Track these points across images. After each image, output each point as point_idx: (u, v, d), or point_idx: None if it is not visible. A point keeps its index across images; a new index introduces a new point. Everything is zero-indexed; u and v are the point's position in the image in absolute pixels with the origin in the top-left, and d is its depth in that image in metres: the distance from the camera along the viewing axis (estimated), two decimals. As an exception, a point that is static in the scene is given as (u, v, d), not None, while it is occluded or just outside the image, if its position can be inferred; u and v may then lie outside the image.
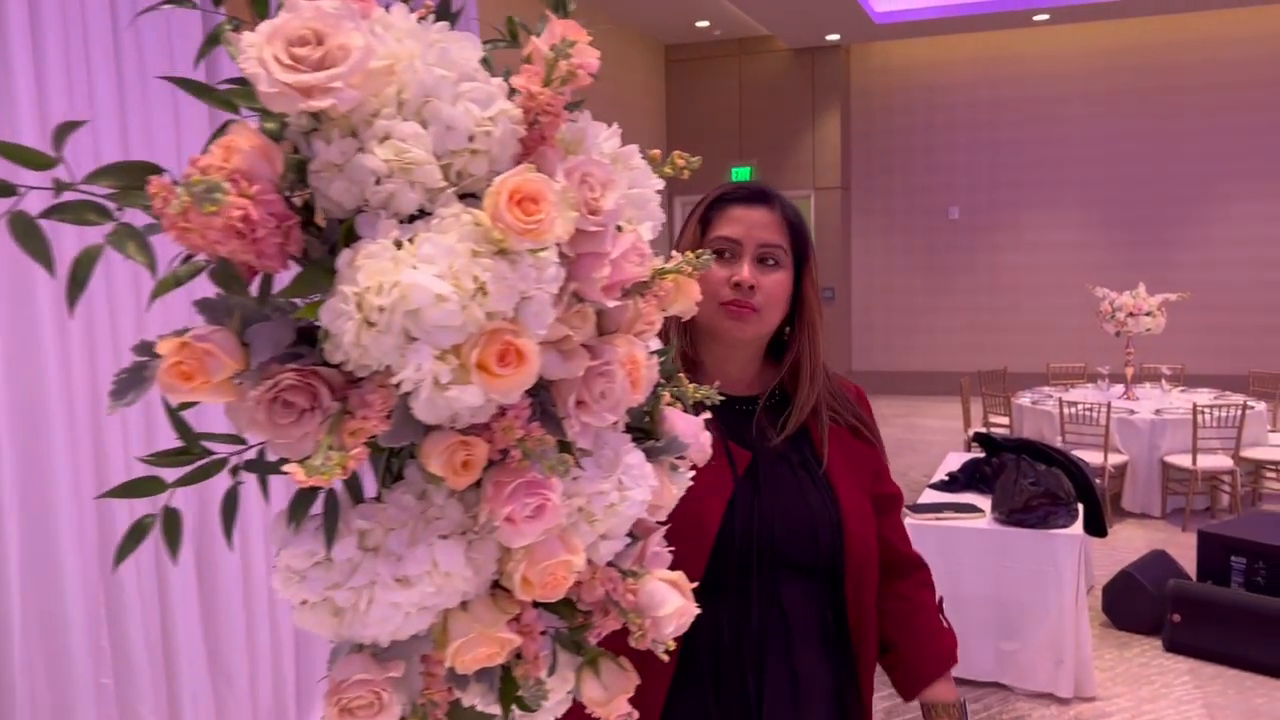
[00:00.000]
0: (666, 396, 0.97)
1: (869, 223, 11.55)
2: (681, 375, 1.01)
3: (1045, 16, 10.01)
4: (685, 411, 0.98)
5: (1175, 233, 10.46)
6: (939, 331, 11.18)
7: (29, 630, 2.48)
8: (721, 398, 1.33)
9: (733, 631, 1.36)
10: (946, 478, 4.72)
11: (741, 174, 10.90)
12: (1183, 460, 6.21)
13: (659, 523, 0.96)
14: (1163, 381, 7.37)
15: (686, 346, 1.43)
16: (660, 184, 0.86)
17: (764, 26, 10.21)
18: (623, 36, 10.08)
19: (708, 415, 0.98)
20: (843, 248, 11.32)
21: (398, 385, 0.69)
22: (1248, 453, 6.36)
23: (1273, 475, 6.67)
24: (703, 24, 10.28)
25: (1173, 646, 4.38)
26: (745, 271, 1.36)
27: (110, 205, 0.63)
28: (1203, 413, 6.11)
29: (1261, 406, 6.67)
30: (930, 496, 4.54)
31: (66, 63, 2.52)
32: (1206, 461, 6.16)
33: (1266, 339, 10.13)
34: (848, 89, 11.27)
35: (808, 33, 10.38)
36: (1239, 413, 6.15)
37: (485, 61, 0.77)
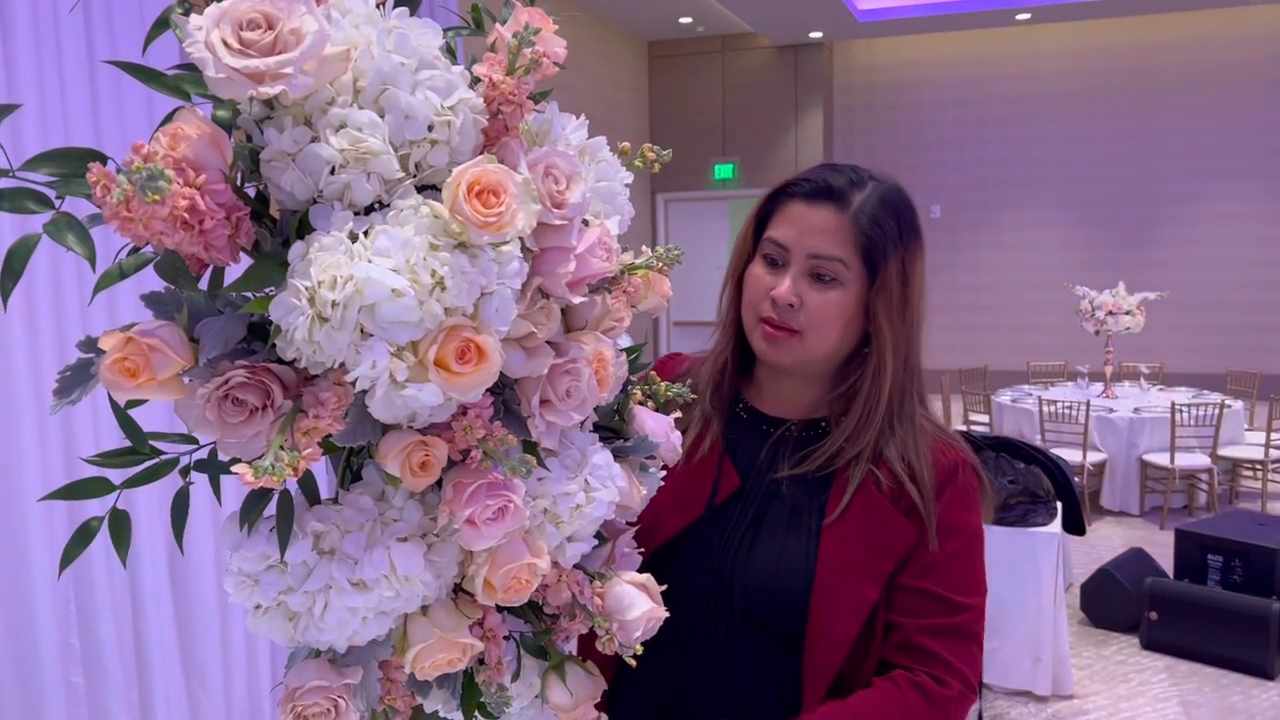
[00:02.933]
0: (637, 395, 0.95)
1: (851, 220, 11.54)
2: (654, 373, 0.98)
3: (1027, 16, 10.03)
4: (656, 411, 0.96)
5: (1155, 232, 10.51)
6: (921, 329, 11.19)
7: (-4, 629, 2.44)
8: (743, 410, 1.20)
9: (673, 678, 1.15)
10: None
11: (724, 171, 10.89)
12: (1161, 459, 6.24)
13: (628, 524, 0.94)
14: (1141, 380, 7.40)
15: (730, 356, 1.21)
16: (629, 177, 0.84)
17: (747, 23, 10.19)
18: (606, 33, 10.04)
19: (678, 415, 0.96)
20: (825, 245, 11.32)
21: (353, 383, 0.66)
22: (1225, 451, 6.39)
23: (1249, 474, 6.71)
24: (686, 20, 10.25)
25: (1150, 644, 4.39)
26: (783, 287, 1.09)
27: (50, 194, 0.61)
28: (1181, 411, 6.13)
29: (1239, 405, 6.69)
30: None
31: (36, 46, 2.46)
32: (1184, 460, 6.18)
33: (1244, 338, 10.20)
34: (830, 86, 11.26)
35: (791, 30, 10.37)
36: (1216, 411, 6.18)
37: (449, 49, 0.75)
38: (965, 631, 1.09)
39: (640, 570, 0.89)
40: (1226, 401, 6.45)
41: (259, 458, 0.61)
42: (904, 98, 11.27)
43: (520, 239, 0.70)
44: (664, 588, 0.90)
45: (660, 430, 0.92)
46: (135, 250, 0.66)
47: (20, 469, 2.47)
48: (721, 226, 10.93)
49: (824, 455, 1.13)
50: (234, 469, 0.61)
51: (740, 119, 11.09)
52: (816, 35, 10.55)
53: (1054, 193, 10.77)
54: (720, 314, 1.20)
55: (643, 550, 0.97)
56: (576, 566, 0.85)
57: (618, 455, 0.87)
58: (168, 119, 0.63)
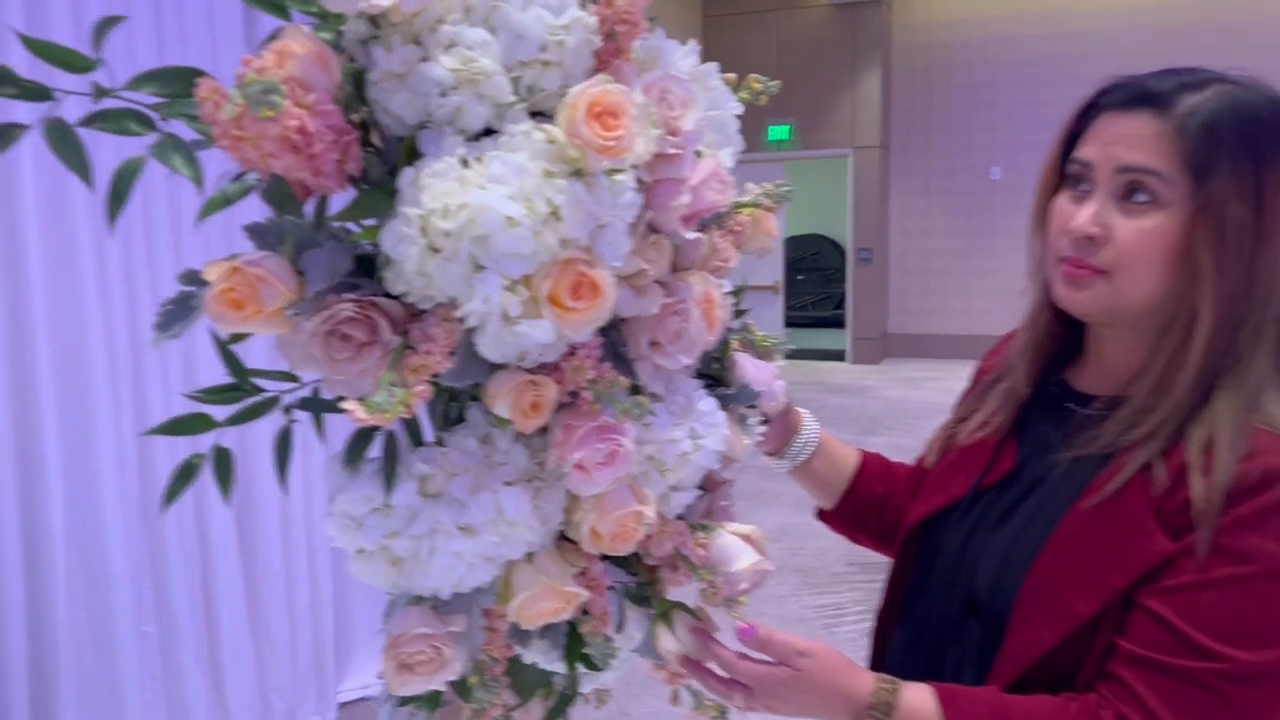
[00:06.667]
0: (735, 343, 0.91)
1: (908, 183, 11.33)
2: (750, 323, 0.94)
3: (1095, -31, 9.72)
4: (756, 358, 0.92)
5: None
6: (977, 294, 10.99)
7: (73, 578, 2.48)
8: (1055, 386, 0.97)
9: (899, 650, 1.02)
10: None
11: (779, 133, 10.73)
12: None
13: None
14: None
15: (1046, 315, 0.99)
16: (740, 108, 0.80)
17: (804, -19, 9.99)
18: (659, -9, 9.89)
19: (782, 362, 0.92)
20: (881, 208, 11.13)
21: (462, 319, 0.63)
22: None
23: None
24: (741, -22, 10.08)
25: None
26: (1083, 215, 0.87)
27: (153, 114, 0.58)
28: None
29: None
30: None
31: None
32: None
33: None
34: (889, 46, 11.01)
35: (849, -13, 10.16)
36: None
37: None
38: (1205, 686, 0.79)
39: (894, 551, 0.85)
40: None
41: (370, 395, 0.59)
42: (964, 56, 10.99)
43: (633, 168, 0.66)
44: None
45: (763, 378, 0.88)
46: (238, 177, 0.63)
47: (93, 419, 2.50)
48: (776, 189, 10.78)
49: (1110, 433, 0.89)
50: (344, 406, 0.59)
51: (796, 80, 10.89)
52: (875, -8, 10.30)
53: (1119, 154, 10.45)
54: (1031, 265, 0.99)
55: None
56: (678, 518, 0.82)
57: (720, 404, 0.83)
58: (272, 37, 0.60)
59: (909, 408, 8.60)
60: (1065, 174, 0.92)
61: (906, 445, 7.86)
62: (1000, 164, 10.93)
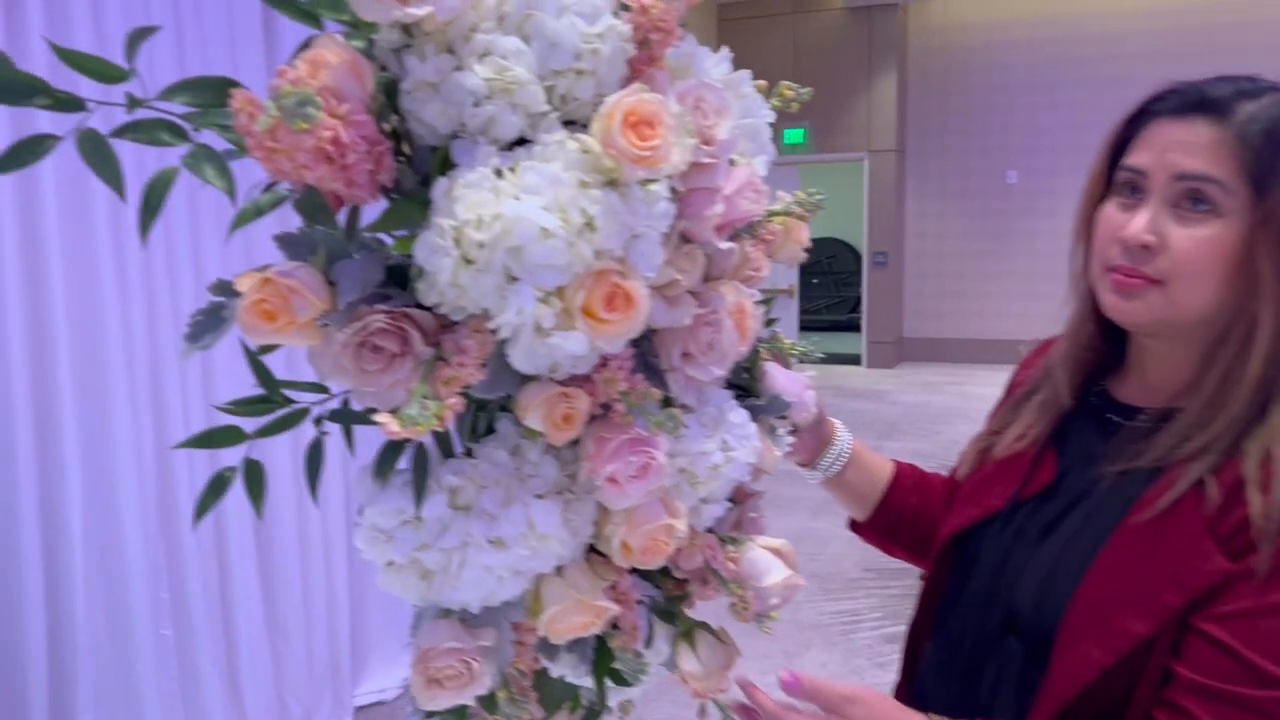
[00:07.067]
0: (764, 352, 0.90)
1: (924, 186, 11.29)
2: (778, 332, 0.93)
3: (1113, -28, 9.66)
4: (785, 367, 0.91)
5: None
6: (993, 298, 10.94)
7: (91, 580, 2.49)
8: (1095, 396, 0.94)
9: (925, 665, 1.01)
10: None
11: (794, 136, 10.70)
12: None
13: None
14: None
15: (1090, 325, 0.96)
16: (771, 115, 0.79)
17: (820, -16, 9.97)
18: (675, -6, 9.87)
19: (812, 372, 0.91)
20: (897, 212, 11.09)
21: (495, 330, 0.63)
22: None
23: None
24: (757, -19, 10.07)
25: None
26: (1136, 223, 0.85)
27: (185, 125, 0.57)
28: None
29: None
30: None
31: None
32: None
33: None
34: (905, 49, 10.98)
35: (865, -10, 10.13)
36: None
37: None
38: (1273, 716, 0.76)
39: (928, 562, 0.83)
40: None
41: (402, 407, 0.58)
42: (980, 60, 10.94)
43: (667, 178, 0.66)
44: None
45: (793, 388, 0.87)
46: (269, 187, 0.62)
47: (112, 422, 2.51)
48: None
49: (1162, 446, 0.86)
50: (376, 419, 0.58)
51: (811, 83, 10.82)
52: (891, -5, 10.28)
53: (1137, 158, 10.37)
54: (1072, 276, 0.96)
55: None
56: (708, 531, 0.81)
57: (750, 414, 0.82)
58: (304, 45, 0.60)
59: (927, 413, 8.56)
60: (1112, 181, 0.90)
61: (924, 450, 7.81)
62: (1016, 167, 10.88)
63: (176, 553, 2.71)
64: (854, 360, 11.03)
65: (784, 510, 5.21)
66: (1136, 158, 0.87)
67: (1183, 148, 0.84)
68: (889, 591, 4.52)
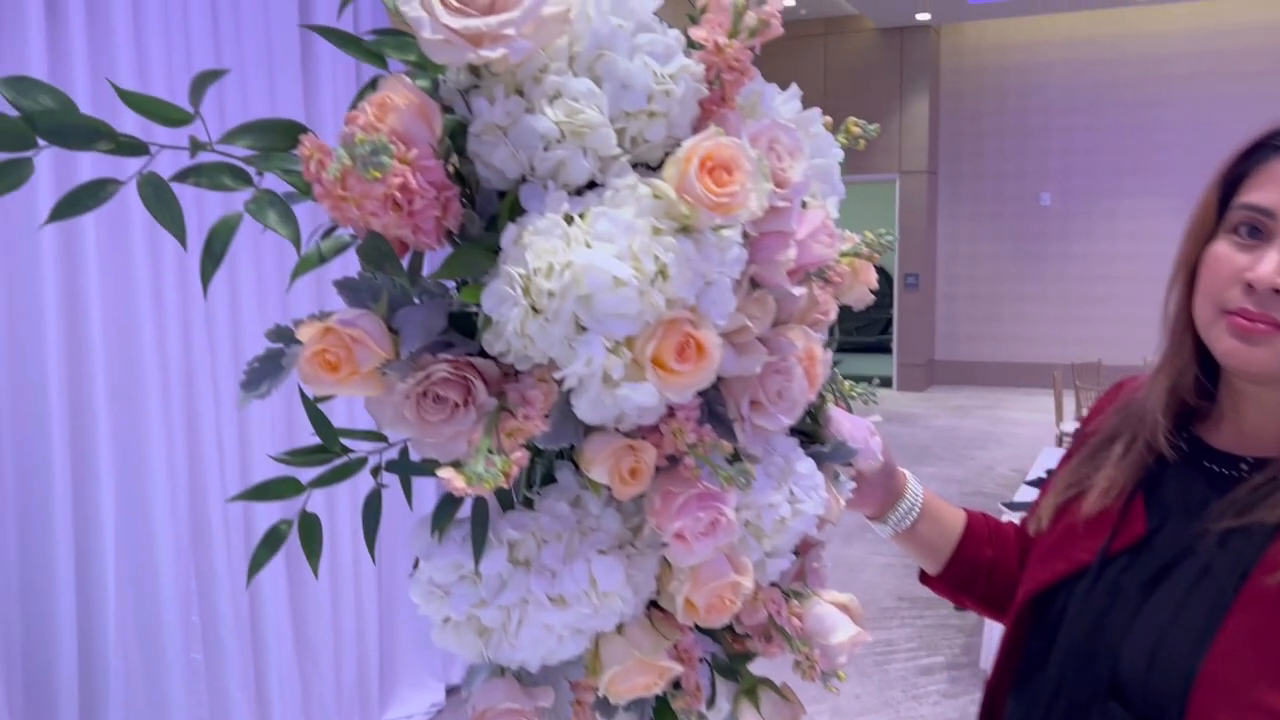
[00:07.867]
0: (830, 396, 0.87)
1: (956, 208, 11.22)
2: (838, 374, 0.89)
3: (1148, -6, 9.59)
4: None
5: None
6: (1027, 321, 10.82)
7: (123, 604, 2.48)
8: (1185, 443, 0.90)
9: None
10: (1045, 474, 4.52)
11: (824, 157, 10.67)
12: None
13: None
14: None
15: (1193, 370, 0.91)
16: (841, 154, 0.76)
17: (852, 5, 9.96)
18: (706, 16, 9.89)
19: (877, 418, 0.87)
20: (928, 233, 11.02)
21: (560, 380, 0.60)
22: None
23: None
24: (789, 3, 10.07)
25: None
26: (1267, 265, 0.79)
27: (249, 169, 0.55)
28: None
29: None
30: (1027, 494, 4.36)
31: (164, 15, 2.48)
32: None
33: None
34: (937, 70, 10.94)
35: (897, 12, 10.09)
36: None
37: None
38: None
39: (1008, 619, 0.79)
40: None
41: (467, 463, 0.55)
42: (1014, 81, 10.88)
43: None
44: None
45: (858, 435, 0.84)
46: (329, 232, 0.60)
47: (146, 448, 2.51)
48: (821, 214, 10.74)
49: (1271, 507, 0.81)
50: (440, 474, 0.55)
51: (843, 104, 10.85)
52: (924, 17, 10.26)
53: (1172, 180, 10.28)
54: (1167, 317, 0.93)
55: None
56: (772, 584, 0.78)
57: (815, 462, 0.79)
58: (370, 86, 0.58)
59: (959, 437, 8.46)
60: (1224, 219, 0.86)
61: (956, 475, 7.70)
62: (1050, 189, 10.79)
63: (208, 577, 2.71)
64: (885, 383, 10.96)
65: (815, 536, 5.14)
66: (1260, 195, 0.83)
67: None
68: (924, 621, 4.45)
